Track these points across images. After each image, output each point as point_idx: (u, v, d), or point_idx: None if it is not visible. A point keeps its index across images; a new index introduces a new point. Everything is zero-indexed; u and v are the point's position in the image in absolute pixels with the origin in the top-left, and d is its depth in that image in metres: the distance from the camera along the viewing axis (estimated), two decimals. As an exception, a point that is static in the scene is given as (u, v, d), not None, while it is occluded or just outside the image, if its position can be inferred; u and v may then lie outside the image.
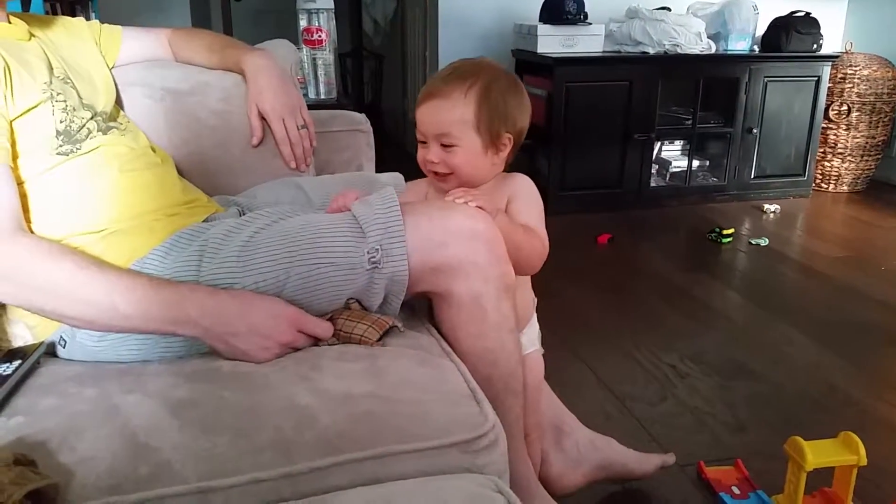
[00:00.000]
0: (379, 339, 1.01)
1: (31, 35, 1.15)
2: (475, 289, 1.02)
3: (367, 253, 0.98)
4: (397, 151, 4.16)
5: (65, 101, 1.08)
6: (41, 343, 1.03)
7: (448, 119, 1.09)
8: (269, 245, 1.01)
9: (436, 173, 1.13)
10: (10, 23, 1.12)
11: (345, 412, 0.83)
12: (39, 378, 0.94)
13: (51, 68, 1.10)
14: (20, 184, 1.01)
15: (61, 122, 1.05)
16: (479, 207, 1.04)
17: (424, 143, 1.13)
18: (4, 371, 0.90)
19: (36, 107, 1.03)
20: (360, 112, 1.71)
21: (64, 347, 1.04)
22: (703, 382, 1.88)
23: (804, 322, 2.25)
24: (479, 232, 1.02)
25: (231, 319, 0.95)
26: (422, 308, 1.15)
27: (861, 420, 1.71)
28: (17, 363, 0.93)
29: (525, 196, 1.16)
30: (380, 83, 5.17)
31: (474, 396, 0.89)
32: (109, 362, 1.02)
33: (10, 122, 1.00)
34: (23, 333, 1.07)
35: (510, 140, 1.13)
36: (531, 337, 1.27)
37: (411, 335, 1.06)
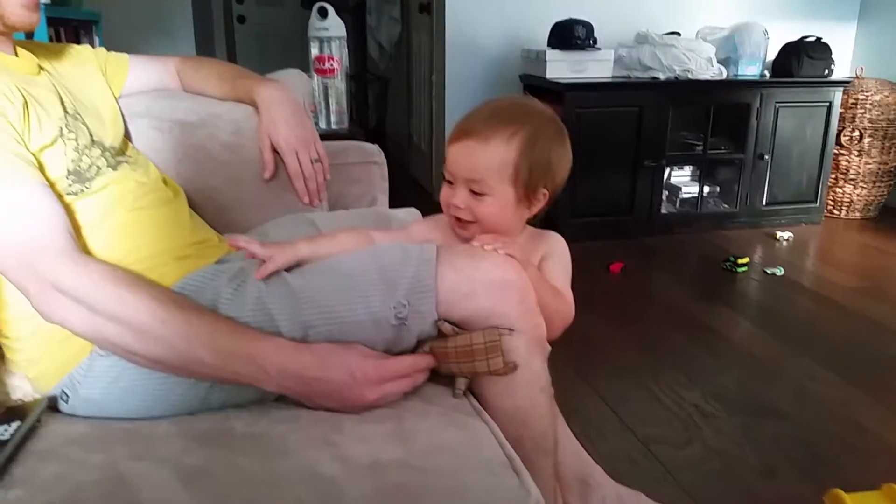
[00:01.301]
0: (505, 363, 0.93)
1: (41, 68, 1.10)
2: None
3: (394, 308, 0.92)
4: (402, 176, 4.11)
5: (76, 139, 1.03)
6: (42, 399, 0.96)
7: (483, 165, 1.00)
8: (284, 302, 0.94)
9: (458, 219, 1.05)
10: (17, 55, 1.07)
11: (373, 485, 0.76)
12: (40, 441, 0.87)
13: (62, 104, 1.05)
14: None
15: (72, 161, 1.00)
16: (510, 255, 0.97)
17: (451, 183, 1.04)
18: (2, 435, 0.83)
19: (51, 145, 0.98)
20: (365, 135, 1.66)
21: (66, 402, 0.98)
22: (728, 423, 1.81)
23: (825, 356, 2.19)
24: (509, 282, 0.95)
25: (310, 383, 0.90)
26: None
27: (895, 465, 1.64)
28: (15, 424, 0.86)
29: (558, 258, 1.09)
30: (384, 107, 5.13)
31: (512, 465, 0.83)
32: (116, 418, 0.96)
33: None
34: (22, 384, 1.02)
35: (545, 196, 1.05)
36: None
37: (438, 390, 0.99)
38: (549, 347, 1.08)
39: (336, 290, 0.95)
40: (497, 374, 0.94)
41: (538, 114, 1.05)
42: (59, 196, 0.97)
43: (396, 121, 4.94)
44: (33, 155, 0.95)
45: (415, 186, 4.02)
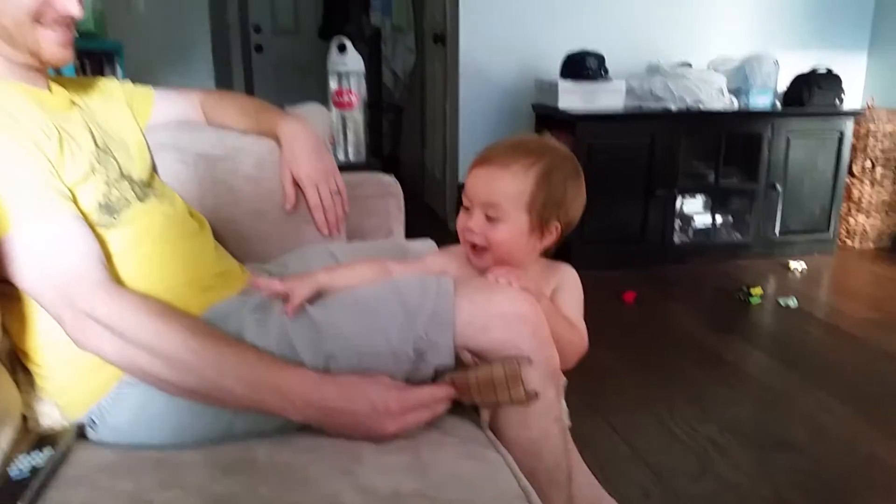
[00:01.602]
0: (526, 392, 0.95)
1: (73, 103, 1.14)
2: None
3: (413, 341, 0.94)
4: (415, 202, 4.15)
5: (106, 172, 1.06)
6: (72, 427, 0.99)
7: (502, 189, 1.03)
8: (306, 333, 0.97)
9: (472, 246, 1.07)
10: (51, 91, 1.11)
11: (394, 515, 0.78)
12: (71, 468, 0.89)
13: (93, 138, 1.09)
14: None
15: (103, 194, 1.04)
16: (524, 289, 0.99)
17: (468, 209, 1.07)
18: (36, 461, 0.86)
19: (83, 179, 1.02)
20: (381, 166, 1.69)
21: (95, 430, 1.00)
22: (743, 455, 1.81)
23: (840, 388, 2.19)
24: (523, 315, 0.97)
25: (334, 414, 0.93)
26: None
27: (911, 499, 1.64)
28: (48, 451, 0.89)
29: (571, 289, 1.12)
30: (398, 135, 5.19)
31: (527, 498, 0.85)
32: (143, 446, 0.98)
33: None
34: (51, 412, 1.05)
35: (557, 229, 1.08)
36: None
37: (453, 421, 1.01)
38: (563, 379, 1.10)
39: (356, 323, 0.98)
40: (520, 404, 0.96)
41: (558, 150, 1.09)
42: (91, 227, 1.01)
43: (410, 148, 5.00)
44: (68, 188, 0.99)
45: (428, 213, 4.06)
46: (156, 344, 0.91)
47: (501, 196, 1.03)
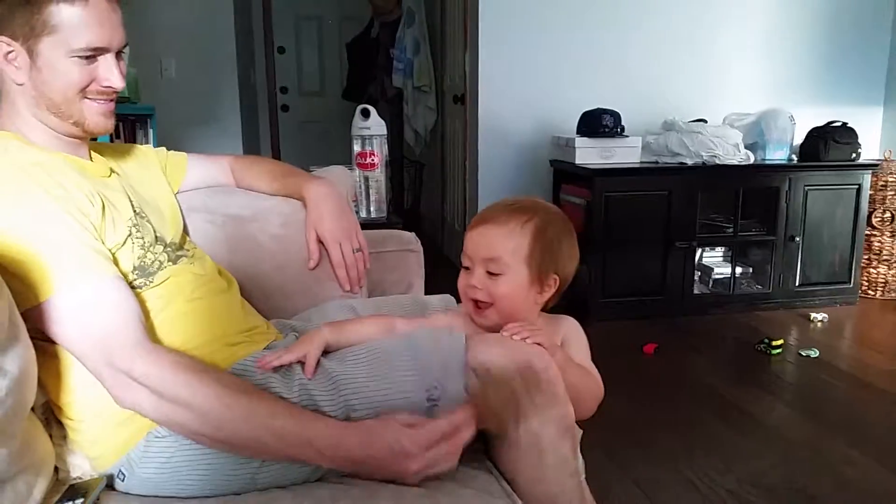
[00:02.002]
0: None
1: (111, 171, 1.21)
2: (533, 430, 1.00)
3: (426, 391, 0.98)
4: (435, 254, 4.21)
5: (142, 237, 1.12)
6: (101, 478, 1.03)
7: (501, 245, 1.08)
8: (325, 387, 1.02)
9: (475, 303, 1.11)
10: (92, 160, 1.19)
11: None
12: (101, 517, 0.93)
13: (131, 204, 1.16)
14: None
15: (138, 258, 1.10)
16: (538, 343, 1.03)
17: (468, 268, 1.11)
18: (68, 511, 0.90)
19: (122, 244, 1.08)
20: (402, 223, 1.75)
21: (123, 481, 1.04)
22: (764, 510, 1.79)
23: (864, 441, 2.16)
24: (537, 370, 1.01)
25: (358, 463, 0.97)
26: (479, 441, 1.13)
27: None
28: (79, 501, 0.93)
29: (577, 339, 1.16)
30: (419, 189, 5.30)
31: (543, 549, 0.86)
32: (168, 497, 1.02)
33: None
34: (82, 464, 1.08)
35: (555, 283, 1.13)
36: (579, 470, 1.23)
37: (469, 472, 1.03)
38: (580, 431, 1.12)
39: (371, 376, 1.03)
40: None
41: (550, 209, 1.15)
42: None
43: (431, 202, 5.09)
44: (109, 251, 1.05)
45: (447, 264, 4.11)
46: (191, 400, 0.96)
47: (501, 249, 1.08)
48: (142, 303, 1.09)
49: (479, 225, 1.11)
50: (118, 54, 1.11)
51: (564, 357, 1.07)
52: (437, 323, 1.16)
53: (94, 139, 1.22)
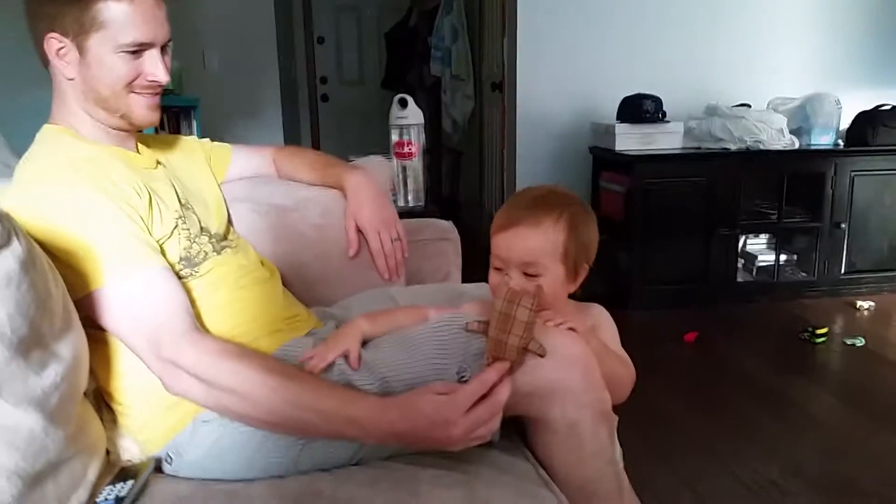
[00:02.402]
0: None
1: (158, 162, 1.24)
2: (570, 415, 1.01)
3: (457, 372, 1.00)
4: (473, 242, 4.22)
5: (188, 228, 1.15)
6: (150, 461, 1.07)
7: (538, 247, 1.07)
8: (364, 373, 1.04)
9: None
10: (139, 152, 1.22)
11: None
12: (150, 499, 0.97)
13: (177, 195, 1.19)
14: None
15: (184, 248, 1.13)
16: (572, 329, 1.03)
17: (500, 269, 1.10)
18: (120, 492, 0.94)
19: (169, 236, 1.11)
20: (440, 212, 1.75)
21: (170, 464, 1.08)
22: (809, 500, 1.77)
23: (912, 432, 2.12)
24: (573, 356, 1.01)
25: (401, 436, 0.98)
26: (515, 429, 1.14)
27: None
28: (129, 483, 0.97)
29: (607, 326, 1.16)
30: (457, 178, 5.30)
31: (580, 535, 0.87)
32: (214, 479, 1.06)
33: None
34: (131, 447, 1.12)
35: (585, 271, 1.13)
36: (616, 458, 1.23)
37: (506, 459, 1.05)
38: (616, 418, 1.13)
39: (403, 358, 1.05)
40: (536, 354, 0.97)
41: (573, 199, 1.14)
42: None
43: (469, 190, 5.09)
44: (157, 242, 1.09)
45: (485, 252, 4.12)
46: (237, 386, 0.99)
47: (539, 252, 1.07)
48: (188, 292, 1.12)
49: (510, 227, 1.09)
50: (163, 49, 1.13)
51: (599, 344, 1.07)
52: (467, 311, 1.17)
53: (141, 131, 1.25)
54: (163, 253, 1.09)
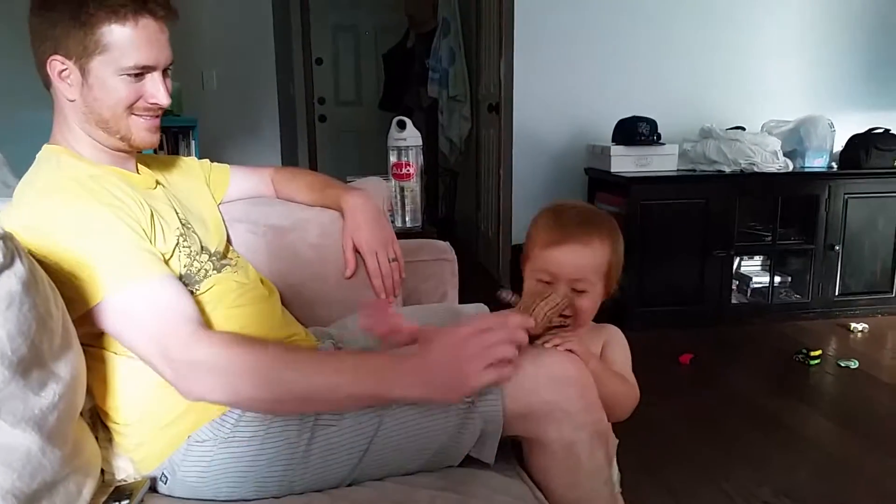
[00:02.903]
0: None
1: (157, 182, 1.25)
2: (567, 436, 1.01)
3: (462, 405, 1.00)
4: (469, 261, 4.23)
5: (189, 246, 1.16)
6: (145, 480, 1.07)
7: (590, 265, 1.11)
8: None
9: None
10: (138, 172, 1.23)
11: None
12: (146, 518, 0.97)
13: (177, 215, 1.20)
14: None
15: (185, 266, 1.14)
16: (570, 350, 1.04)
17: (546, 282, 1.13)
18: (116, 511, 0.94)
19: (170, 254, 1.12)
20: (437, 232, 1.77)
21: (165, 483, 1.08)
22: (802, 523, 1.77)
23: (907, 455, 2.13)
24: (570, 377, 1.02)
25: (425, 377, 0.98)
26: (512, 450, 1.14)
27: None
28: (125, 503, 0.97)
29: (619, 345, 1.18)
30: (454, 197, 5.33)
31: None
32: (208, 500, 1.06)
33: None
34: (126, 466, 1.12)
35: (613, 288, 1.16)
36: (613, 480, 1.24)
37: (501, 479, 1.05)
38: (616, 441, 1.14)
39: None
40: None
41: (610, 218, 1.18)
42: None
43: (465, 210, 5.12)
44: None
45: (482, 273, 4.13)
46: (252, 366, 0.99)
47: (589, 270, 1.11)
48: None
49: (563, 244, 1.12)
50: (164, 72, 1.15)
51: (599, 366, 1.08)
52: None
53: (140, 152, 1.26)
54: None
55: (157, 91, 1.13)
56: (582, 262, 1.11)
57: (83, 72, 1.08)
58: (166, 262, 1.10)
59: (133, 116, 1.13)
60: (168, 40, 1.14)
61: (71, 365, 0.91)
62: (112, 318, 1.01)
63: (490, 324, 0.97)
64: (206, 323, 1.12)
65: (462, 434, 1.04)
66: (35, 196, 1.06)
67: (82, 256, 0.99)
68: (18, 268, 0.80)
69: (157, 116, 1.17)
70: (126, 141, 1.15)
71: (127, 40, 1.07)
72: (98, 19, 1.05)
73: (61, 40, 1.07)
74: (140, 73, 1.10)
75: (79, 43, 1.06)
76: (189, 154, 3.02)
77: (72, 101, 1.11)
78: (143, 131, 1.15)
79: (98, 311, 1.00)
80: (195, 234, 1.22)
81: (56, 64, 1.08)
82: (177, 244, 1.14)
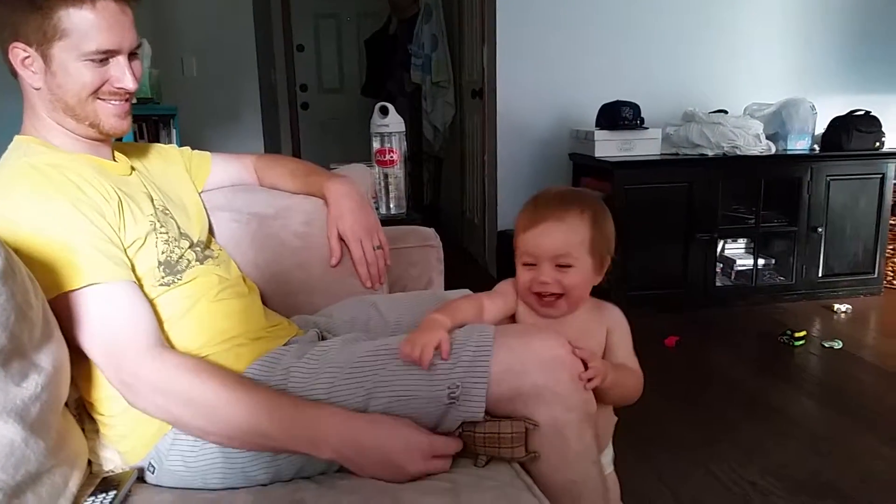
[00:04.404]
0: (527, 452, 1.02)
1: (133, 169, 1.23)
2: (556, 417, 1.01)
3: (448, 388, 1.00)
4: (454, 248, 4.22)
5: (166, 232, 1.15)
6: (132, 471, 1.06)
7: (569, 240, 1.11)
8: (352, 378, 1.04)
9: (541, 295, 1.13)
10: (115, 160, 1.21)
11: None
12: (133, 508, 0.96)
13: (152, 200, 1.18)
14: None
15: (163, 253, 1.12)
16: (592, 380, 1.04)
17: (531, 265, 1.13)
18: (102, 503, 0.93)
19: (143, 239, 1.10)
20: (421, 218, 1.76)
21: (153, 473, 1.07)
22: (789, 501, 1.79)
23: (890, 433, 2.15)
24: (559, 359, 1.02)
25: (365, 449, 0.99)
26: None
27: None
28: (112, 494, 0.96)
29: (622, 330, 1.19)
30: (438, 184, 5.31)
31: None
32: (196, 489, 1.05)
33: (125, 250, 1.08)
34: (113, 458, 1.11)
35: (609, 262, 1.16)
36: (607, 459, 1.25)
37: (491, 464, 1.05)
38: (615, 419, 1.17)
39: (398, 366, 1.04)
40: (519, 462, 1.02)
41: (591, 195, 1.19)
42: (150, 288, 1.09)
43: (450, 196, 5.11)
44: (125, 251, 1.07)
45: (467, 258, 4.13)
46: (194, 396, 1.00)
47: (570, 245, 1.11)
48: (172, 301, 1.11)
49: (539, 223, 1.12)
50: (132, 55, 1.12)
51: (614, 374, 1.09)
52: (510, 299, 1.19)
53: (120, 140, 1.24)
54: (133, 264, 1.08)
55: (123, 75, 1.10)
56: (558, 239, 1.10)
57: (45, 58, 1.06)
58: (137, 253, 1.08)
59: (99, 102, 1.11)
60: (132, 22, 1.11)
61: (53, 356, 0.90)
62: (65, 314, 0.99)
63: (452, 446, 1.02)
64: (189, 314, 1.12)
65: (442, 424, 1.03)
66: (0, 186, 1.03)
67: (44, 248, 0.98)
68: (-5, 258, 0.79)
69: (125, 101, 1.14)
70: (95, 128, 1.13)
71: (86, 24, 1.05)
72: (54, 3, 1.03)
73: (20, 27, 1.05)
74: (103, 57, 1.08)
75: (37, 29, 1.04)
76: (170, 142, 2.98)
77: (37, 89, 1.09)
78: (111, 117, 1.13)
79: (54, 306, 0.97)
80: (173, 219, 1.20)
81: (18, 51, 1.06)
82: (153, 229, 1.12)
